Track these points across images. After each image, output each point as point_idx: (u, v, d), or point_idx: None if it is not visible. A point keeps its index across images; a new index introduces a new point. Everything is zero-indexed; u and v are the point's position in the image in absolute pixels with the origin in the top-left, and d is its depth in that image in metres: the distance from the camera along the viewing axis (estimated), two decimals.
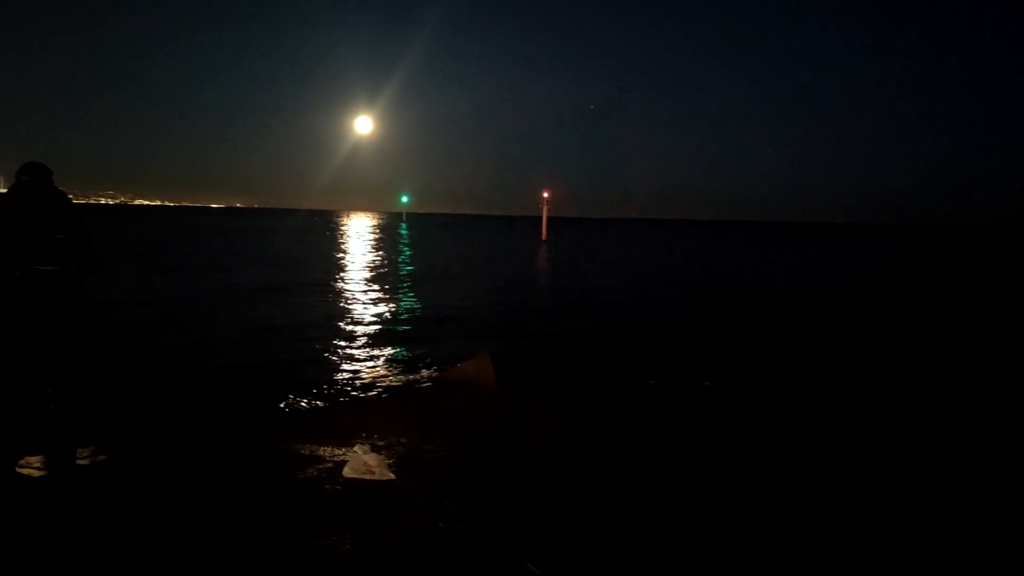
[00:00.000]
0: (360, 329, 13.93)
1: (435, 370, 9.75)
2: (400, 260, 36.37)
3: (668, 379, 10.05)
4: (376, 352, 11.56)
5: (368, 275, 26.58)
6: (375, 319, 15.39)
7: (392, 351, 11.64)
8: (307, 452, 4.69)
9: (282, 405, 8.03)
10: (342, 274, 26.55)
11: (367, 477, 3.23)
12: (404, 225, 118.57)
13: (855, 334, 15.05)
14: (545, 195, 66.62)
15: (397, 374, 9.89)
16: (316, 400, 8.34)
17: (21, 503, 3.61)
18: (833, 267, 38.57)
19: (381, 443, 4.97)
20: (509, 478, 4.39)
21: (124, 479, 4.00)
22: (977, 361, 12.09)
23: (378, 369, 10.23)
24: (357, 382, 9.38)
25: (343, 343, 12.31)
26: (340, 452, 4.70)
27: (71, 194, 4.23)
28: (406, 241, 60.19)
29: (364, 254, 40.09)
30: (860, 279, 30.78)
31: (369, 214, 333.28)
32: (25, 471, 3.91)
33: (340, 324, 14.49)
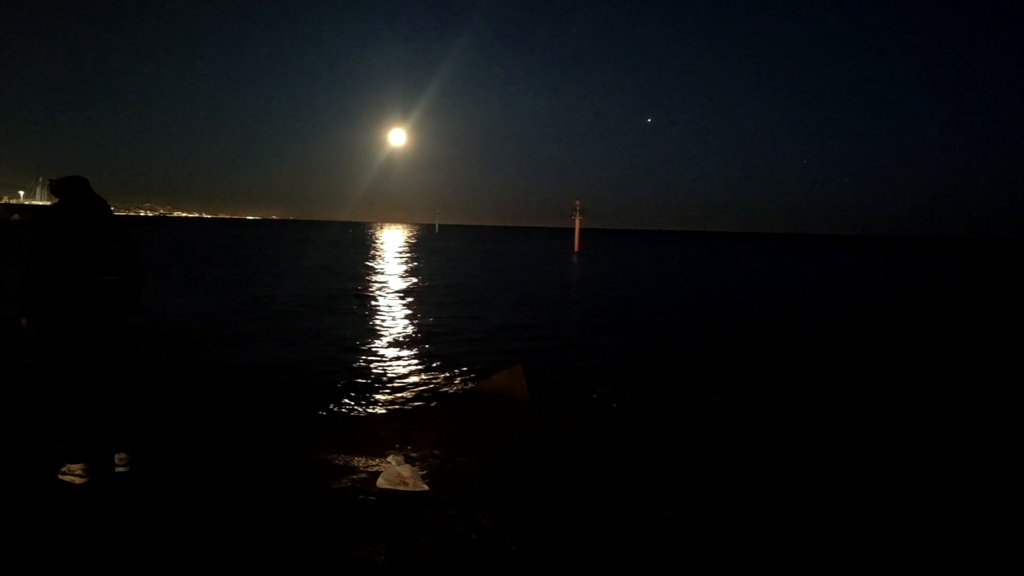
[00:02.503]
0: (393, 340, 14.01)
1: (468, 381, 9.75)
2: (433, 272, 36.56)
3: (701, 391, 9.91)
4: (409, 363, 11.60)
5: (401, 286, 26.76)
6: (407, 330, 15.46)
7: (425, 363, 11.66)
8: (341, 462, 4.71)
9: (316, 415, 8.09)
10: (376, 285, 26.76)
11: (401, 488, 3.22)
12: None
13: (895, 350, 14.72)
14: (577, 206, 66.55)
15: (430, 385, 9.90)
16: (350, 411, 8.38)
17: (63, 510, 3.67)
18: (877, 281, 37.84)
19: (415, 454, 4.97)
20: (542, 490, 4.36)
21: (162, 487, 4.05)
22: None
23: (411, 380, 10.26)
24: (390, 393, 9.41)
25: (376, 354, 12.38)
26: (374, 462, 4.70)
27: (112, 206, 4.31)
28: (439, 253, 60.51)
29: (398, 266, 40.39)
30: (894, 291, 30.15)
31: (403, 226, 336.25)
32: (67, 478, 3.97)
33: (373, 335, 14.58)
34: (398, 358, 12.03)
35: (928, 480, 5.66)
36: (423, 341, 13.92)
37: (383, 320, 17.12)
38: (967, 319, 20.29)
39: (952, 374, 11.84)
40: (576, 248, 66.53)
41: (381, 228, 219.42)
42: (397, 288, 25.94)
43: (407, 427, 5.90)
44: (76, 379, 3.97)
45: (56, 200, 4.04)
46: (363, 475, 4.41)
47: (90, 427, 4.03)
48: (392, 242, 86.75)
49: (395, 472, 3.34)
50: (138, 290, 4.21)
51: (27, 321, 3.94)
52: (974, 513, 4.62)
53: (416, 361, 11.77)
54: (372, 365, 11.30)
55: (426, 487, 3.36)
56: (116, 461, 4.13)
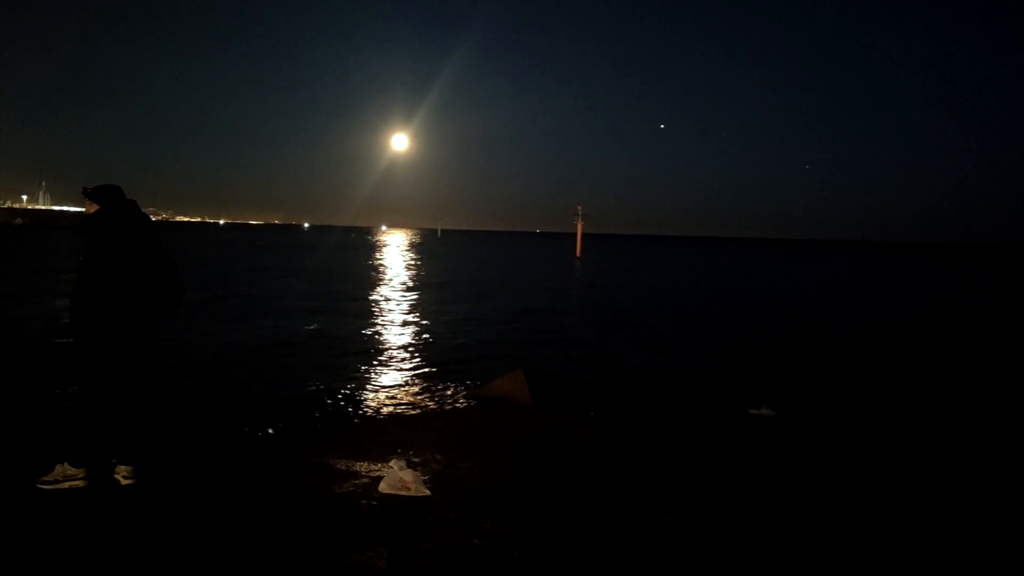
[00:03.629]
0: (395, 345, 14.01)
1: (470, 386, 9.75)
2: (435, 276, 36.57)
3: (704, 396, 9.90)
4: (411, 368, 11.60)
5: (403, 291, 26.77)
6: (409, 335, 15.47)
7: (427, 367, 11.67)
8: (343, 467, 4.71)
9: (318, 420, 8.09)
10: (378, 290, 26.78)
11: (403, 493, 3.23)
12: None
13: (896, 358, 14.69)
14: (579, 211, 66.61)
15: (432, 390, 9.90)
16: (352, 415, 8.39)
17: (55, 516, 3.67)
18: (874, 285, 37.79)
19: (417, 459, 4.97)
20: (544, 495, 4.36)
21: (164, 490, 4.05)
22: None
23: (413, 385, 10.26)
24: (392, 398, 9.41)
25: (378, 358, 12.38)
26: (376, 467, 4.70)
27: None
28: (441, 257, 60.55)
29: (400, 270, 40.41)
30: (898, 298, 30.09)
31: (405, 230, 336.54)
32: (66, 484, 3.94)
33: (374, 339, 14.59)
34: (400, 362, 12.03)
35: (931, 487, 5.65)
36: (425, 346, 13.92)
37: (385, 324, 17.12)
38: (971, 326, 20.28)
39: (952, 381, 11.82)
40: (578, 253, 66.56)
41: (384, 232, 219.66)
42: (399, 292, 25.94)
43: (409, 432, 5.89)
44: (112, 384, 3.95)
45: (94, 207, 4.05)
46: (365, 480, 4.41)
47: (107, 435, 4.00)
48: (394, 246, 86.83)
49: (397, 477, 3.35)
50: (182, 294, 4.22)
51: (80, 327, 3.91)
52: (974, 523, 4.61)
53: (418, 365, 11.77)
54: (374, 369, 11.30)
55: (428, 492, 3.38)
56: (124, 474, 4.08)
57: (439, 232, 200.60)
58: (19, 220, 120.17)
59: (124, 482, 4.05)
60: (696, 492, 4.66)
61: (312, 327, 16.26)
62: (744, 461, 6.01)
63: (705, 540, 3.80)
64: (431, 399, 9.35)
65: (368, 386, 10.02)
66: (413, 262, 50.24)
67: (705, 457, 5.97)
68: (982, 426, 8.62)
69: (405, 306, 21.39)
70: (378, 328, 16.44)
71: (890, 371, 12.56)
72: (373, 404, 8.99)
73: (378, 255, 59.46)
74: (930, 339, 16.98)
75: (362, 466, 4.75)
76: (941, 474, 6.33)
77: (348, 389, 9.73)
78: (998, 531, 4.34)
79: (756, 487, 4.97)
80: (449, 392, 9.73)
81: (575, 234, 69.29)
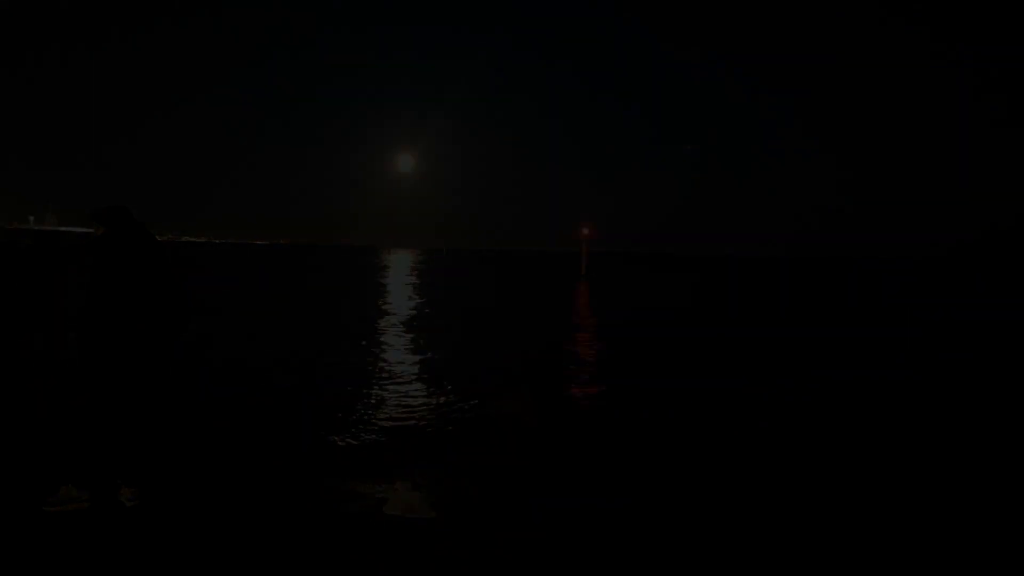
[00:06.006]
0: (400, 364, 14.00)
1: (475, 407, 9.73)
2: (440, 295, 36.62)
3: (714, 416, 9.84)
4: (416, 388, 11.57)
5: (408, 310, 26.79)
6: (414, 354, 15.45)
7: (432, 387, 11.64)
8: (348, 488, 4.70)
9: (323, 440, 8.07)
10: (383, 309, 26.81)
11: (409, 515, 3.21)
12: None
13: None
14: (584, 230, 66.67)
15: (437, 411, 9.87)
16: (357, 436, 8.36)
17: (60, 539, 3.65)
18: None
19: (422, 480, 4.95)
20: (553, 517, 4.33)
21: (166, 513, 4.04)
22: None
23: (418, 406, 10.23)
24: (398, 418, 9.39)
25: (383, 379, 12.37)
26: (381, 489, 4.69)
27: None
28: (446, 277, 60.67)
29: (405, 289, 40.47)
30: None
31: (411, 250, 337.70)
32: (71, 506, 3.93)
33: (379, 359, 14.58)
34: (405, 383, 12.00)
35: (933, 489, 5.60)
36: (430, 365, 13.89)
37: (389, 344, 17.11)
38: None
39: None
40: (583, 272, 66.56)
41: (389, 252, 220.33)
42: (404, 311, 25.95)
43: (415, 453, 5.88)
44: (118, 405, 3.96)
45: (102, 229, 4.09)
46: (371, 502, 4.40)
47: (112, 456, 4.00)
48: (400, 266, 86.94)
49: (403, 499, 3.33)
50: (188, 316, 4.25)
51: (88, 348, 3.93)
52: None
53: (423, 386, 11.74)
54: (378, 390, 11.27)
55: (434, 514, 3.36)
56: (129, 495, 4.08)
57: (444, 251, 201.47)
58: (27, 242, 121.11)
59: (129, 504, 4.05)
60: (708, 517, 4.63)
61: (313, 346, 16.26)
62: (751, 479, 5.97)
63: (710, 556, 3.77)
64: (437, 420, 9.31)
65: (372, 406, 9.99)
66: (418, 282, 50.33)
67: (718, 479, 5.94)
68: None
69: (410, 325, 21.38)
70: (382, 347, 16.43)
71: (892, 377, 12.48)
72: (377, 425, 8.96)
73: (384, 275, 59.62)
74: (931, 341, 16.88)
75: (367, 488, 4.74)
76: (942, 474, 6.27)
77: (352, 410, 9.70)
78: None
79: (769, 510, 4.93)
80: (455, 413, 9.69)
81: (580, 253, 69.32)
